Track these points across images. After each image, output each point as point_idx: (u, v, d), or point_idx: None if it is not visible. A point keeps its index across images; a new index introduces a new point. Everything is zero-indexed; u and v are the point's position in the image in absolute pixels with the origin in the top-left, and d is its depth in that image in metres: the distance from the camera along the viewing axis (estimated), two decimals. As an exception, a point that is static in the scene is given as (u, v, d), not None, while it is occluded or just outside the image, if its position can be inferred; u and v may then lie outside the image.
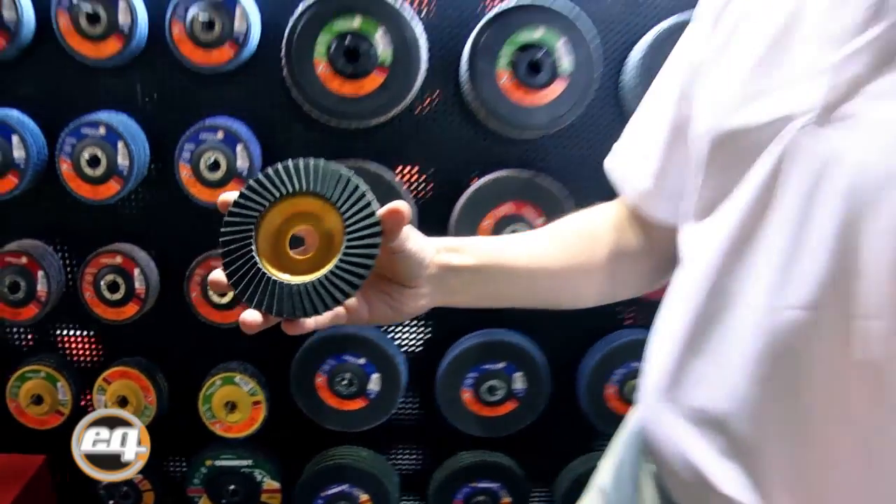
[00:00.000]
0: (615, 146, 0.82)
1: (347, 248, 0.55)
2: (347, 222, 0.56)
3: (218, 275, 0.57)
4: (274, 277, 0.55)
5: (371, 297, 0.64)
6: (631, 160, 0.80)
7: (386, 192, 1.20)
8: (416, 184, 1.35)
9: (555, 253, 0.79)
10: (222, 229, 0.56)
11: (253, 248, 0.56)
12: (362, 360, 1.36)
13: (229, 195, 0.58)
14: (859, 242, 0.49)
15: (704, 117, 0.64)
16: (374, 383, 1.37)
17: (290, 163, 0.57)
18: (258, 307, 0.54)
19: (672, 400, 0.65)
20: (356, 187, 0.56)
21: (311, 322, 0.57)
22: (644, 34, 1.22)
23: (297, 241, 0.59)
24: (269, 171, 0.57)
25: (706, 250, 0.62)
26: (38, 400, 1.41)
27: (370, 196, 0.56)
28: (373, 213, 0.56)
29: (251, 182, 0.57)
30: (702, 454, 0.61)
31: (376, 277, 0.63)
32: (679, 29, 0.75)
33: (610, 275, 0.80)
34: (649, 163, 0.76)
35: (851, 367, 0.51)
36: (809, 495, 0.55)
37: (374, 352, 1.35)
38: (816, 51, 0.53)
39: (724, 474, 0.59)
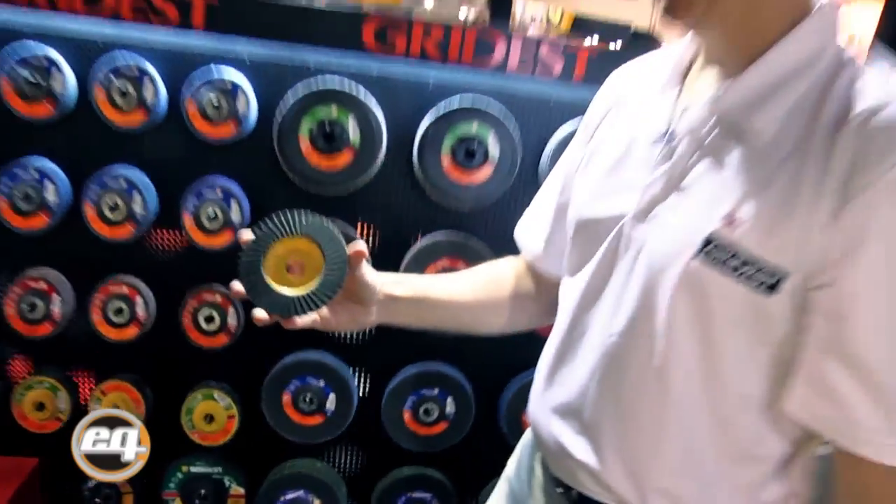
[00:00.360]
0: (521, 218, 1.12)
1: (325, 274, 0.84)
2: (326, 256, 0.84)
3: (237, 286, 0.85)
4: (276, 289, 0.83)
5: (338, 311, 0.91)
6: (530, 229, 1.08)
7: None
8: (371, 239, 1.57)
9: (469, 291, 1.06)
10: (240, 254, 0.83)
11: (262, 268, 0.84)
12: (322, 383, 1.56)
13: (246, 233, 0.85)
14: (655, 295, 0.76)
15: (574, 206, 0.93)
16: (331, 402, 1.57)
17: (288, 213, 0.84)
18: (265, 308, 0.82)
19: (546, 399, 0.93)
20: (333, 233, 0.84)
21: (299, 321, 0.85)
22: (556, 131, 1.47)
23: (290, 267, 0.87)
24: (275, 218, 0.84)
25: (571, 298, 0.90)
26: (40, 407, 1.57)
27: (342, 239, 0.85)
28: (344, 252, 0.84)
29: (262, 225, 0.84)
30: (563, 433, 0.88)
31: (342, 297, 0.89)
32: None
33: (511, 311, 1.07)
34: (541, 232, 1.04)
35: (649, 372, 0.78)
36: (628, 455, 0.82)
37: (332, 375, 1.56)
38: (638, 173, 0.82)
39: (577, 445, 0.86)
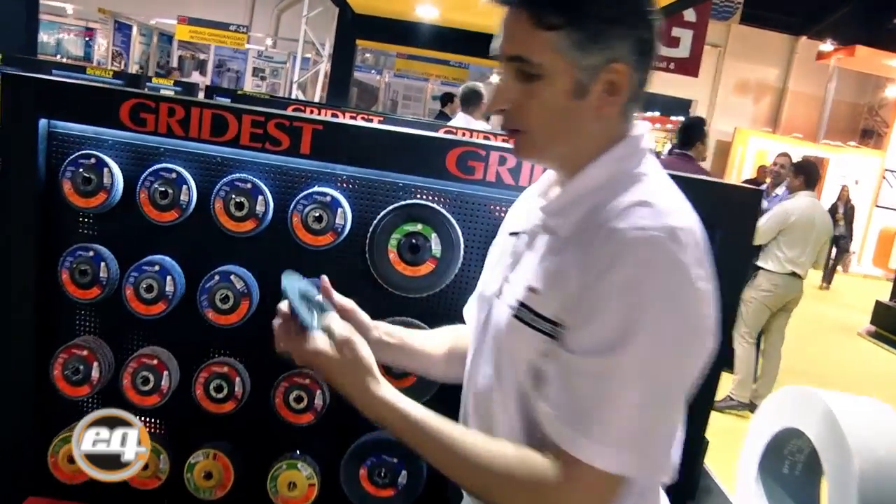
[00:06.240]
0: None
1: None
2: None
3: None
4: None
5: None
6: (467, 310, 1.42)
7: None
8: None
9: (438, 347, 1.43)
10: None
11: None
12: (395, 460, 1.74)
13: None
14: (500, 341, 1.09)
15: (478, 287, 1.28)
16: (403, 477, 1.74)
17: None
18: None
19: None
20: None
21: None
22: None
23: None
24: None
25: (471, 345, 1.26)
26: (145, 467, 1.73)
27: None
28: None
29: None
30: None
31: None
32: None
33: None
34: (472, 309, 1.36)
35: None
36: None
37: (404, 454, 1.73)
38: (503, 262, 1.17)
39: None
